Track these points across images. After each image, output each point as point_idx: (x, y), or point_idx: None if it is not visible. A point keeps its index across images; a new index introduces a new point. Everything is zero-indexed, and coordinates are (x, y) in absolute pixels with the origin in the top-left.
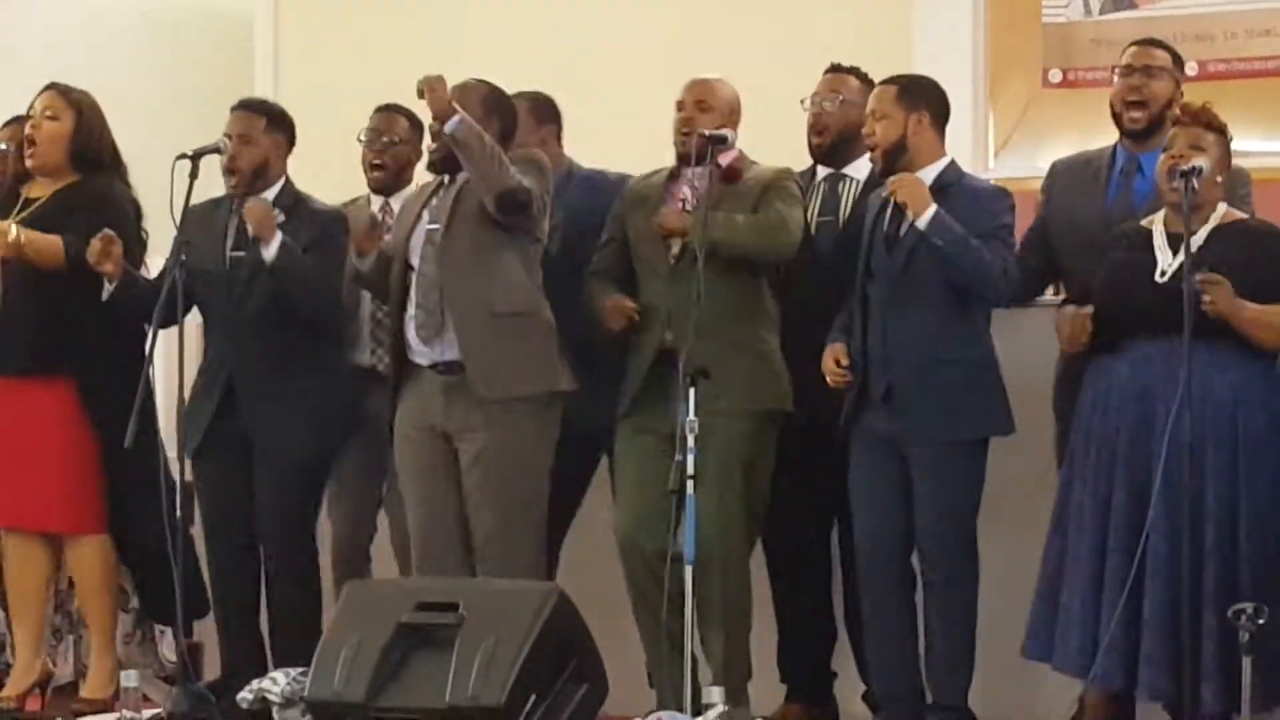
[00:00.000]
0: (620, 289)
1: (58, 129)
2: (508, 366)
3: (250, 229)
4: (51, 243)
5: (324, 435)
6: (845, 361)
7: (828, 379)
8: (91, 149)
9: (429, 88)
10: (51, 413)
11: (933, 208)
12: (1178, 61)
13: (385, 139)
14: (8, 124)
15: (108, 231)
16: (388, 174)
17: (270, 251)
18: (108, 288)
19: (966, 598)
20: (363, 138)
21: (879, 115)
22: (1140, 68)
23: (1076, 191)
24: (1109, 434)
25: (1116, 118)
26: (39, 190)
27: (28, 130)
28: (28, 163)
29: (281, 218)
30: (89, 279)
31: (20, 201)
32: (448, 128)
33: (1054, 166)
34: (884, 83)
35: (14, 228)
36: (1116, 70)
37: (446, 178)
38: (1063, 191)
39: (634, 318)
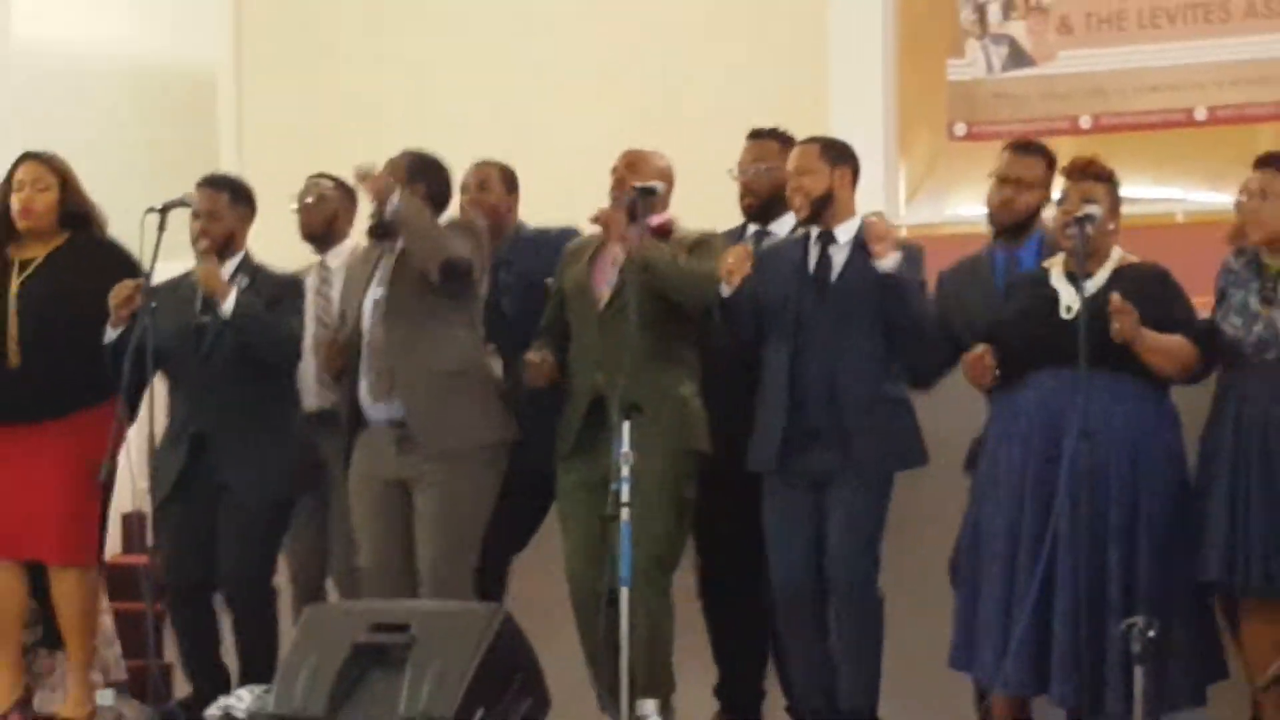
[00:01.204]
0: (559, 343)
1: (50, 198)
2: (451, 422)
3: (203, 291)
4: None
5: (286, 482)
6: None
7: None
8: (79, 208)
9: (361, 176)
10: (65, 447)
11: (899, 253)
12: (1051, 165)
13: (309, 199)
14: None
15: (138, 281)
16: (316, 229)
17: (227, 306)
18: (111, 332)
19: (874, 615)
20: (292, 204)
21: (804, 170)
22: (1014, 179)
23: (969, 296)
24: (1017, 460)
25: (990, 215)
26: (30, 252)
27: (19, 202)
28: (19, 226)
29: (246, 282)
30: (86, 337)
31: (16, 265)
32: (388, 211)
33: (941, 277)
34: (804, 142)
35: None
36: (995, 171)
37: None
38: (955, 298)
39: (552, 375)
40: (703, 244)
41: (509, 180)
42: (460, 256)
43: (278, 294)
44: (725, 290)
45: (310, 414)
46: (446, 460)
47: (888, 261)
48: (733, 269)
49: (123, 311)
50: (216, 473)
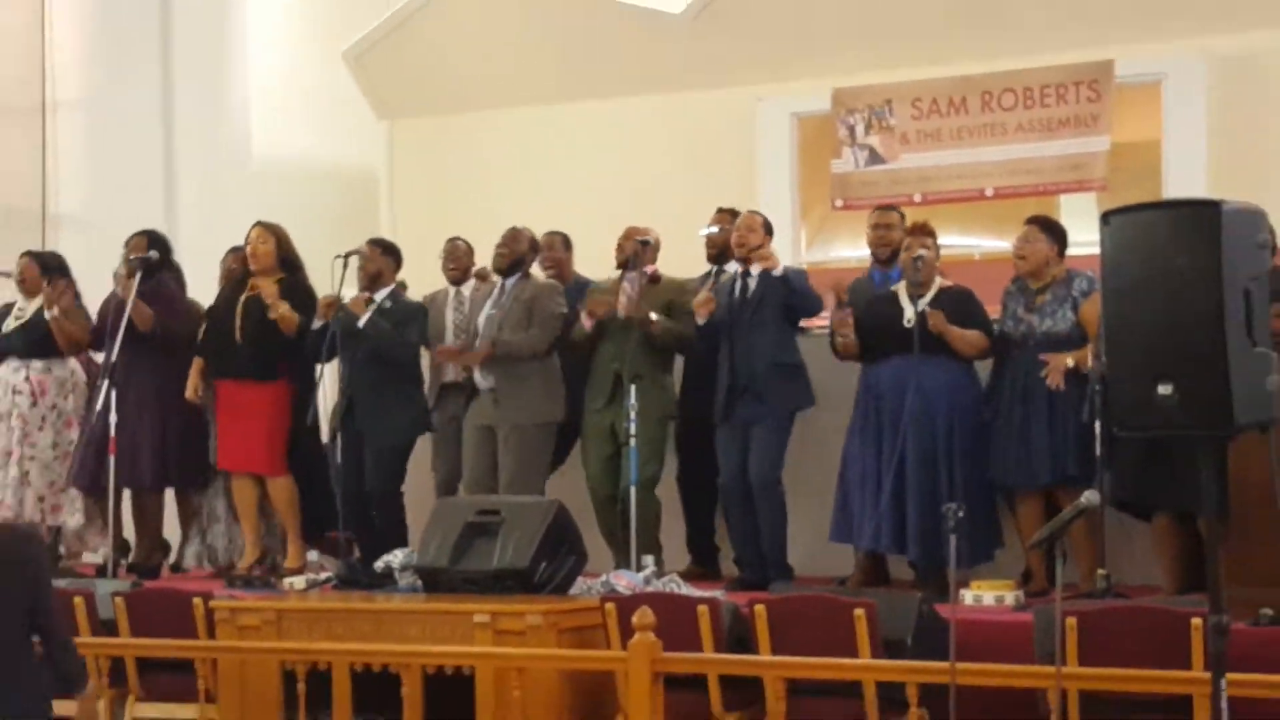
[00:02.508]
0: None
1: (268, 248)
2: (528, 399)
3: (349, 315)
4: (293, 318)
5: (408, 430)
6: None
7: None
8: (288, 257)
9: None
10: (267, 402)
11: (783, 264)
12: (902, 216)
13: (454, 254)
14: (232, 250)
15: (339, 296)
16: (457, 275)
17: (361, 322)
18: (317, 322)
19: (778, 503)
20: (440, 255)
21: (750, 229)
22: (884, 225)
23: (859, 294)
24: (878, 410)
25: (871, 251)
26: (261, 282)
27: (249, 249)
28: (252, 268)
29: (389, 304)
30: (276, 334)
31: (249, 287)
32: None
33: (851, 285)
34: (752, 213)
35: (283, 304)
36: (870, 224)
37: (507, 280)
38: (855, 299)
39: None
40: (679, 301)
41: (566, 243)
42: (550, 338)
43: (408, 313)
44: (699, 320)
45: (448, 383)
46: (521, 429)
47: (778, 270)
48: (699, 309)
49: (326, 312)
50: (359, 423)
